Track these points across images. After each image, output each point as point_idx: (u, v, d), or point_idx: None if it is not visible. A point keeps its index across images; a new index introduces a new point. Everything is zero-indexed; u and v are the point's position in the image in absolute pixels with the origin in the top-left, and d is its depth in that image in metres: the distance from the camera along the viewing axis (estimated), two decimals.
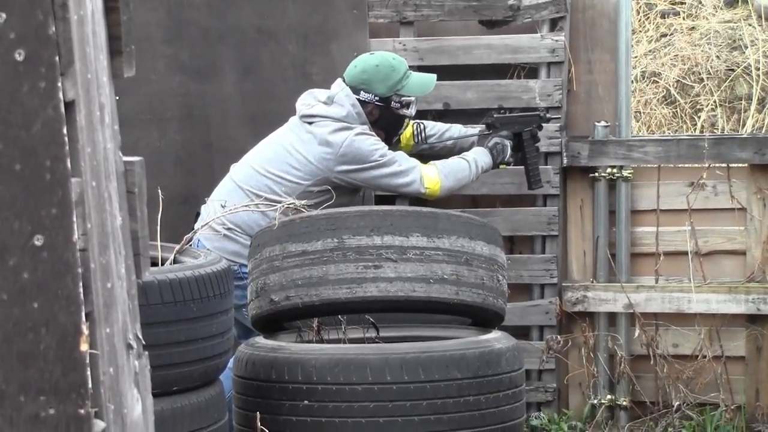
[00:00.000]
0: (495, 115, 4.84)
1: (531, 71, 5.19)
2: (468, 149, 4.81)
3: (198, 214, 4.58)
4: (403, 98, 4.59)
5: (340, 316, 4.02)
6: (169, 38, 5.08)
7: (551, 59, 5.12)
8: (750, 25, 7.27)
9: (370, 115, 4.57)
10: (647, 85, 7.19)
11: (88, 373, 1.65)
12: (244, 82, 5.10)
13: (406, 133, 4.81)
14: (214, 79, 5.09)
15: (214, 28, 5.08)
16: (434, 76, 4.68)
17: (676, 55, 7.20)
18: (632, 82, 6.93)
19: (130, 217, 1.90)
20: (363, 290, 3.80)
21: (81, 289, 1.65)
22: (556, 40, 5.10)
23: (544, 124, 4.92)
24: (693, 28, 7.41)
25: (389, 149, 4.57)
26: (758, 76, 7.01)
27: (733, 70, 7.09)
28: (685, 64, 7.14)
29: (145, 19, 5.02)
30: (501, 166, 4.80)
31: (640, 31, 7.50)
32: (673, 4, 7.70)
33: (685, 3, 7.64)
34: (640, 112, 7.09)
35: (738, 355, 5.08)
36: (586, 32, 5.17)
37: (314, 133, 4.51)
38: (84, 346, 1.65)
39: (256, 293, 3.94)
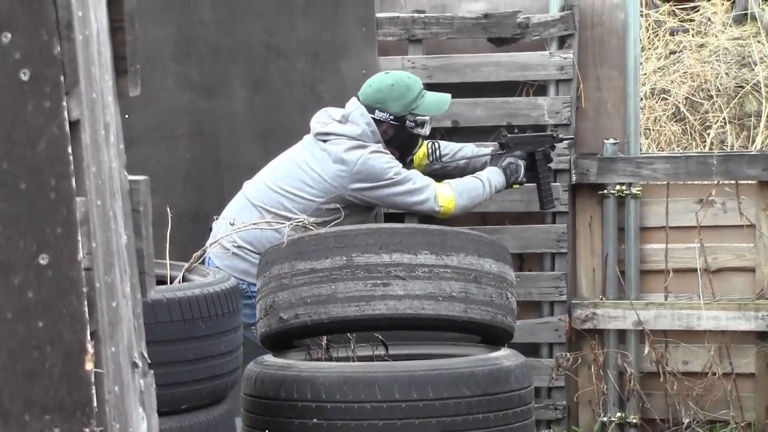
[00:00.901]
0: (508, 135, 4.84)
1: (540, 89, 5.19)
2: (481, 169, 4.81)
3: (210, 231, 4.58)
4: (417, 117, 4.59)
5: (349, 334, 4.02)
6: (178, 55, 5.09)
7: (560, 76, 5.13)
8: (759, 42, 7.28)
9: (385, 134, 4.58)
10: (656, 102, 7.19)
11: (93, 391, 1.66)
12: (254, 100, 5.11)
13: (420, 152, 4.81)
14: (223, 96, 5.10)
15: (224, 45, 5.09)
16: (449, 95, 4.69)
17: (685, 72, 7.20)
18: (641, 99, 6.93)
19: (136, 236, 1.91)
20: (372, 308, 3.79)
21: (86, 308, 1.65)
22: (565, 58, 5.11)
23: (556, 144, 4.93)
24: (702, 45, 7.41)
25: (403, 168, 4.58)
26: (767, 92, 7.00)
27: (742, 87, 7.08)
28: (694, 81, 7.14)
29: (154, 36, 5.04)
30: (514, 186, 4.80)
31: (649, 49, 7.50)
32: (682, 21, 7.71)
33: (694, 20, 7.65)
34: (649, 129, 7.09)
35: (748, 372, 5.07)
36: (595, 49, 5.18)
37: (329, 150, 4.52)
38: (89, 365, 1.65)
39: (265, 311, 3.95)
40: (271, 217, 4.41)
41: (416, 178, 4.55)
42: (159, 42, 5.06)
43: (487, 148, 4.90)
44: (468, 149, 4.90)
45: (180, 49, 5.09)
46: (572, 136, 5.06)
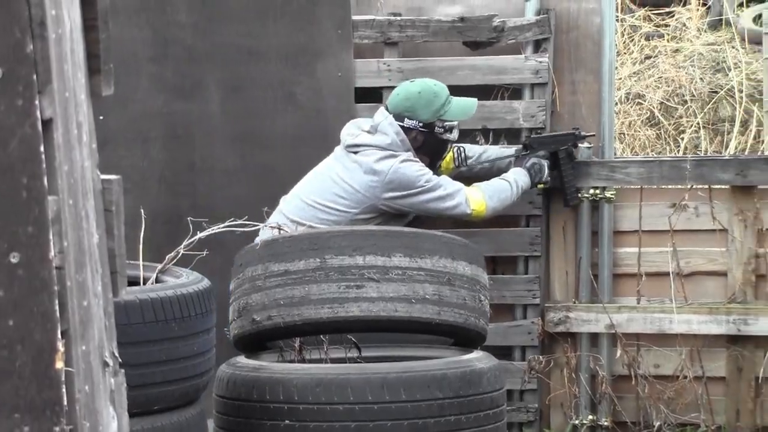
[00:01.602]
0: (531, 136, 4.97)
1: (515, 92, 5.20)
2: (505, 170, 4.92)
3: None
4: (446, 123, 4.69)
5: (322, 336, 4.02)
6: (154, 57, 5.09)
7: (535, 80, 5.13)
8: (733, 47, 7.31)
9: (415, 141, 4.67)
10: (631, 107, 7.22)
11: (64, 390, 1.65)
12: (229, 102, 5.11)
13: (447, 157, 4.88)
14: (198, 98, 5.10)
15: (200, 47, 5.09)
16: (475, 100, 4.78)
17: (660, 77, 7.23)
18: (616, 103, 6.96)
19: (107, 235, 1.90)
20: (345, 310, 3.80)
21: (57, 307, 1.65)
22: (540, 62, 5.12)
23: (578, 142, 4.99)
24: (677, 50, 7.44)
25: (433, 174, 4.66)
26: (741, 98, 7.04)
27: (716, 92, 7.12)
28: (669, 86, 7.17)
29: (130, 37, 5.03)
30: (539, 186, 4.93)
31: (625, 53, 7.53)
32: (657, 26, 7.74)
33: (669, 25, 7.68)
34: (624, 134, 7.12)
35: (719, 375, 5.08)
36: (570, 53, 5.18)
37: (360, 162, 4.61)
38: (59, 364, 1.65)
39: (238, 313, 3.94)
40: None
41: (447, 184, 4.65)
42: (134, 43, 5.05)
43: (509, 149, 5.00)
44: (492, 151, 5.00)
45: (156, 50, 5.08)
46: (593, 133, 5.08)
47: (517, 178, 4.83)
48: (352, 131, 4.69)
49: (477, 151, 4.98)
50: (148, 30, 5.07)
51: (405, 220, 4.74)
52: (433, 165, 4.74)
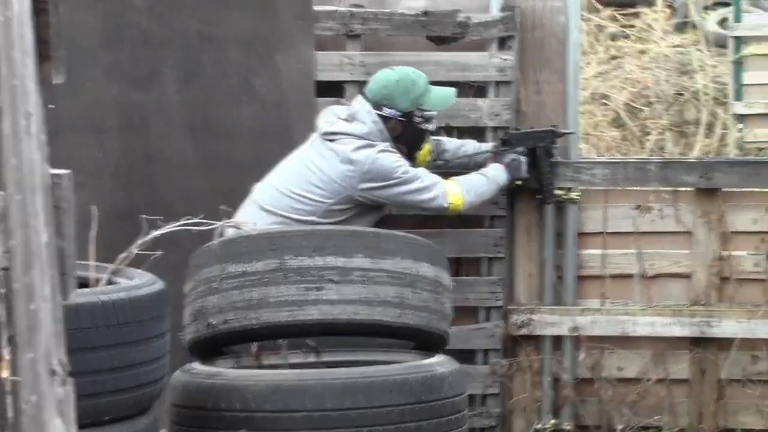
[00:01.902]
0: (510, 132, 4.97)
1: (479, 90, 5.15)
2: (482, 164, 4.91)
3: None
4: (425, 112, 4.66)
5: (280, 340, 3.94)
6: (108, 43, 4.98)
7: (500, 78, 5.10)
8: (699, 50, 7.34)
9: (392, 131, 4.63)
10: (597, 107, 7.23)
11: (9, 401, 1.61)
12: (186, 92, 5.03)
13: (424, 149, 4.84)
14: (155, 87, 5.01)
15: (156, 33, 4.99)
16: (454, 90, 4.77)
17: (626, 78, 7.26)
18: (582, 103, 6.95)
19: (57, 234, 1.82)
20: (304, 313, 3.75)
21: (3, 311, 1.59)
22: (505, 59, 5.08)
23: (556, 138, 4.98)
24: (643, 51, 7.46)
25: (410, 165, 4.64)
26: (706, 100, 7.07)
27: (681, 94, 7.15)
28: (634, 87, 7.19)
29: (82, 22, 4.92)
30: (517, 182, 4.92)
31: (591, 53, 7.54)
32: (623, 27, 7.76)
33: (635, 26, 7.69)
34: (589, 134, 7.12)
35: (682, 378, 5.10)
36: (535, 52, 5.18)
37: (336, 150, 4.56)
38: (5, 373, 1.61)
39: (193, 316, 3.87)
40: (280, 220, 4.46)
41: (424, 176, 4.63)
42: (87, 29, 4.94)
43: (487, 145, 4.99)
44: (470, 145, 4.98)
45: (109, 36, 4.98)
46: (572, 131, 5.08)
47: (495, 173, 4.82)
48: (328, 119, 4.64)
49: (455, 145, 4.96)
50: (100, 14, 4.96)
51: (381, 212, 4.71)
52: (411, 155, 4.70)
